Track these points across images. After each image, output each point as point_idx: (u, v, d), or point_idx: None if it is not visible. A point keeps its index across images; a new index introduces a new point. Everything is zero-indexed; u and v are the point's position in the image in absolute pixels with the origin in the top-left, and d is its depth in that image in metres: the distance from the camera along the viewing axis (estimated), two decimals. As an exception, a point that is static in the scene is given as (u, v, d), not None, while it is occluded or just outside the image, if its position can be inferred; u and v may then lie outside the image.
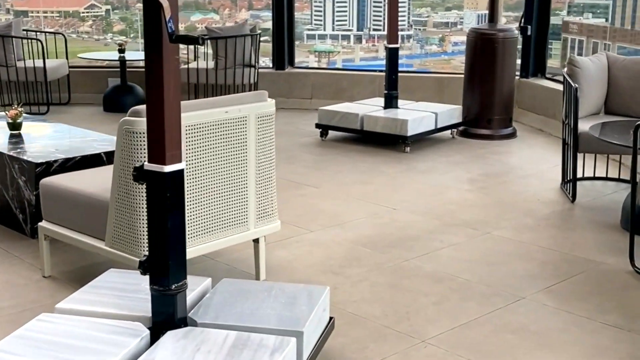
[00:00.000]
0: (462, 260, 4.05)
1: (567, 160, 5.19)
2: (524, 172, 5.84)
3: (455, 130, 6.97)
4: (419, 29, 8.57)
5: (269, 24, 8.54)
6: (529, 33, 7.53)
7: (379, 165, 5.98)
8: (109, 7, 9.26)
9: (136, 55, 8.08)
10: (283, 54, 8.38)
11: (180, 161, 2.56)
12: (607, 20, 8.05)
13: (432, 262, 4.00)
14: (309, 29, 8.48)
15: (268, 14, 8.47)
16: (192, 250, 3.33)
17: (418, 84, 8.09)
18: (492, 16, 6.92)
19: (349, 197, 5.15)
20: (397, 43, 6.79)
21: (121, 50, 7.76)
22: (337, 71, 8.49)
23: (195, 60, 7.85)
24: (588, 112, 5.32)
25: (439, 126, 6.71)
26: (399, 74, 7.53)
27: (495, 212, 4.87)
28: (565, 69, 5.28)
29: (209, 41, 7.73)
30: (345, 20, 8.28)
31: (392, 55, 6.80)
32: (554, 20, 8.03)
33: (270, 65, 8.49)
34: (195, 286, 2.93)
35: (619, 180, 5.46)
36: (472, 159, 6.21)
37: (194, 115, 3.27)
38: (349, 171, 5.81)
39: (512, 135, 6.97)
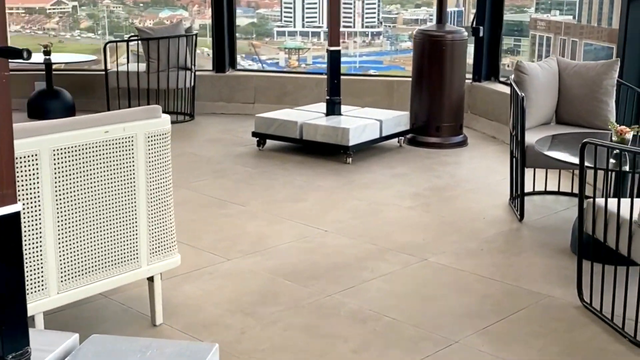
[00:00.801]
0: (391, 295, 3.59)
1: (515, 175, 4.77)
2: (472, 185, 5.41)
3: (403, 138, 6.54)
4: (389, 26, 8.52)
5: (239, 21, 8.35)
6: (481, 34, 7.12)
7: (317, 179, 5.51)
8: (75, 3, 9.04)
9: (64, 57, 7.53)
10: (223, 56, 7.89)
11: (14, 202, 2.06)
12: (574, 17, 7.92)
13: (357, 297, 3.54)
14: (278, 26, 8.39)
15: (238, 11, 8.31)
16: (64, 296, 2.83)
17: (366, 87, 7.64)
18: (440, 17, 6.49)
19: (278, 217, 4.68)
20: (338, 45, 6.33)
21: (46, 53, 7.20)
22: (281, 74, 8.01)
23: (127, 62, 7.34)
24: (538, 122, 4.91)
25: (384, 134, 6.26)
26: (346, 77, 7.11)
27: (436, 233, 4.43)
28: (512, 76, 4.86)
29: (139, 43, 7.21)
30: (315, 17, 8.23)
31: (334, 59, 6.34)
32: (521, 17, 7.71)
33: (211, 68, 7.99)
34: (55, 345, 2.44)
35: (571, 194, 5.06)
36: (417, 171, 5.77)
37: (65, 137, 2.77)
38: (283, 186, 5.34)
39: (463, 143, 6.55)
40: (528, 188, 5.12)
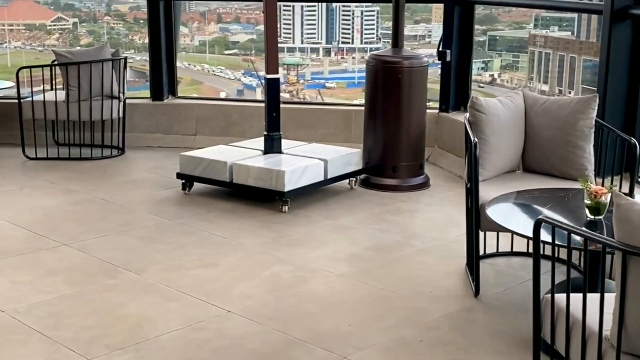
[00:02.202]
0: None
1: (469, 238, 3.88)
2: (425, 242, 4.51)
3: (355, 179, 5.65)
4: (388, 42, 7.69)
5: (238, 37, 8.30)
6: (448, 59, 6.25)
7: (240, 234, 4.61)
8: (76, 20, 8.91)
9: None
10: (161, 81, 7.01)
11: None
12: (572, 33, 7.53)
13: None
14: (277, 42, 7.68)
15: (238, 27, 8.41)
16: None
17: (320, 118, 6.76)
18: (396, 40, 5.61)
19: (175, 291, 3.78)
20: (277, 72, 5.45)
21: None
22: (225, 102, 7.12)
23: (52, 90, 6.46)
24: (498, 170, 4.02)
25: (330, 176, 5.37)
26: (298, 107, 6.30)
27: (367, 315, 3.52)
28: (467, 114, 3.97)
29: (53, 69, 6.33)
30: (314, 33, 8.12)
31: (272, 88, 5.46)
32: (520, 33, 7.27)
33: (149, 95, 7.10)
34: None
35: (543, 257, 4.14)
36: (364, 222, 4.88)
37: None
38: (196, 244, 4.44)
39: (424, 185, 5.65)
40: (491, 247, 4.23)
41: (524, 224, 3.14)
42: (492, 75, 7.11)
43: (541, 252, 2.68)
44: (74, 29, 8.92)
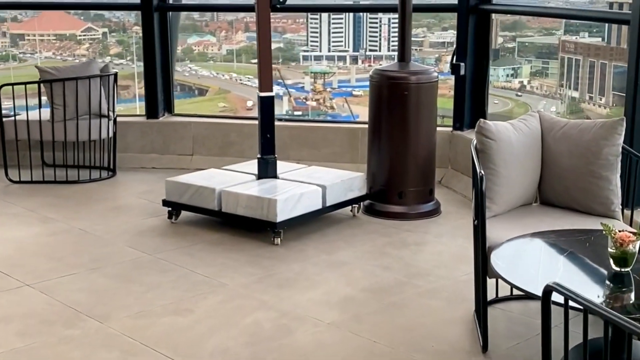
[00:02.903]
0: None
1: (477, 283, 3.38)
2: (431, 281, 4.01)
3: (358, 206, 5.16)
4: (415, 49, 8.10)
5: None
6: (462, 72, 5.75)
7: (224, 272, 4.15)
8: (105, 30, 8.88)
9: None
10: (155, 98, 6.58)
11: None
12: (603, 39, 7.27)
13: None
14: (304, 51, 8.24)
15: None
16: None
17: (324, 136, 6.29)
18: (403, 53, 5.12)
19: (139, 344, 3.31)
20: (271, 90, 4.99)
21: None
22: (223, 120, 6.67)
23: (41, 108, 6.06)
24: (511, 204, 3.52)
25: (329, 203, 4.89)
26: (301, 125, 5.89)
27: (355, 376, 3.04)
28: (474, 141, 3.48)
29: (41, 85, 5.92)
30: (341, 41, 8.10)
31: (266, 107, 5.00)
32: (550, 39, 7.00)
33: (144, 113, 6.67)
34: None
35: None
36: (364, 257, 4.39)
37: None
38: (173, 285, 3.98)
39: (434, 212, 5.16)
40: (504, 289, 3.72)
41: (534, 279, 2.63)
42: (522, 82, 6.90)
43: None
44: (103, 39, 8.93)
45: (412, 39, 8.81)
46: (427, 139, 5.12)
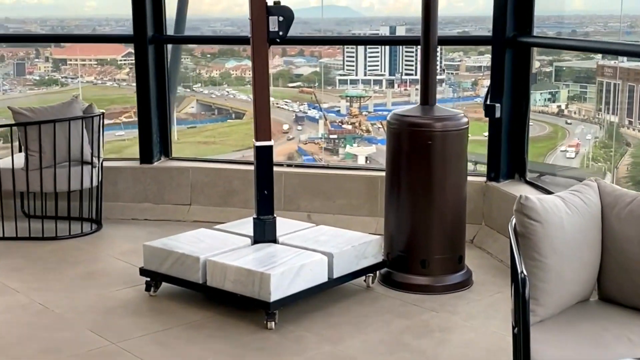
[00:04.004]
0: None
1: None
2: (458, 388, 3.17)
3: (373, 275, 4.34)
4: (451, 73, 8.39)
5: (302, 70, 8.30)
6: (497, 114, 4.92)
7: (200, 369, 3.35)
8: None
9: None
10: (150, 140, 5.84)
11: None
12: None
13: None
14: (341, 75, 8.38)
15: (302, 60, 8.45)
16: None
17: (340, 185, 5.49)
18: (426, 96, 4.30)
19: None
20: (269, 138, 4.20)
21: None
22: (225, 165, 5.88)
23: (20, 152, 5.36)
24: (563, 303, 2.66)
25: (337, 275, 4.07)
26: (313, 172, 5.17)
27: None
28: (513, 222, 2.64)
29: (14, 129, 5.21)
30: (377, 65, 8.17)
31: (264, 159, 4.21)
32: (588, 64, 6.66)
33: (139, 156, 5.93)
34: None
35: None
36: (375, 350, 3.55)
37: None
38: (133, 389, 3.19)
39: (464, 284, 4.30)
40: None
41: None
42: (560, 106, 6.70)
43: None
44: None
45: (448, 63, 8.58)
46: (456, 197, 4.28)
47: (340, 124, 7.82)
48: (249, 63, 9.11)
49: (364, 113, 8.08)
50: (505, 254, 4.73)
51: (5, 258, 4.83)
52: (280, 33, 4.09)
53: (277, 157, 8.89)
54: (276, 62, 8.54)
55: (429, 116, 4.22)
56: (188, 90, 8.14)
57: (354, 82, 8.13)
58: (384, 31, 8.13)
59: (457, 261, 4.32)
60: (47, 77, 8.24)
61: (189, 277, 4.03)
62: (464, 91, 8.45)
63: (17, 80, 8.19)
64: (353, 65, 8.19)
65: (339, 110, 8.24)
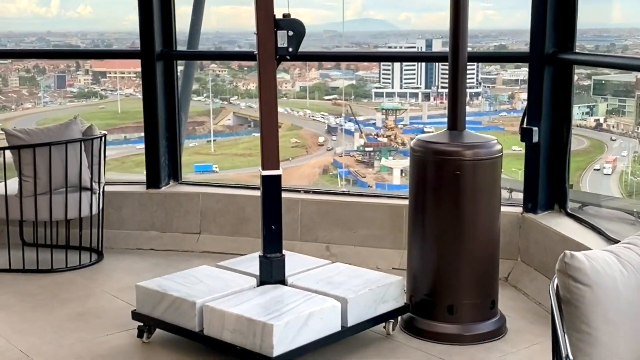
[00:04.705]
0: None
1: None
2: None
3: (394, 321, 3.85)
4: (488, 87, 8.41)
5: (338, 83, 8.32)
6: (535, 139, 4.42)
7: None
8: (182, 67, 9.12)
9: None
10: (157, 163, 5.43)
11: None
12: None
13: None
14: (376, 87, 8.40)
15: (338, 73, 8.48)
16: None
17: (361, 214, 5.02)
18: (455, 120, 3.81)
19: None
20: (277, 167, 3.74)
21: None
22: (236, 190, 5.44)
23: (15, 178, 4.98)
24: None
25: (351, 323, 3.59)
26: (332, 199, 4.79)
27: None
28: (555, 283, 2.14)
29: (7, 152, 4.84)
30: (413, 78, 8.21)
31: (271, 190, 3.76)
32: (627, 77, 6.43)
33: (145, 181, 5.52)
34: None
35: None
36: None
37: None
38: None
39: (497, 333, 3.80)
40: None
41: None
42: (598, 120, 6.64)
43: None
44: (181, 77, 9.03)
45: (484, 76, 8.54)
46: (488, 234, 3.79)
47: (375, 136, 7.81)
48: (285, 76, 8.84)
49: (399, 126, 8.05)
50: (544, 295, 4.21)
51: (-9, 294, 4.45)
52: (290, 49, 3.64)
53: (312, 169, 8.86)
54: (312, 74, 8.78)
55: (458, 143, 3.73)
56: (225, 102, 8.25)
57: (390, 94, 8.11)
58: (420, 45, 7.99)
59: (489, 306, 3.81)
60: (86, 90, 8.31)
61: (185, 324, 3.58)
62: (501, 104, 8.37)
63: (58, 92, 8.27)
64: (389, 78, 8.19)
65: (375, 123, 8.23)
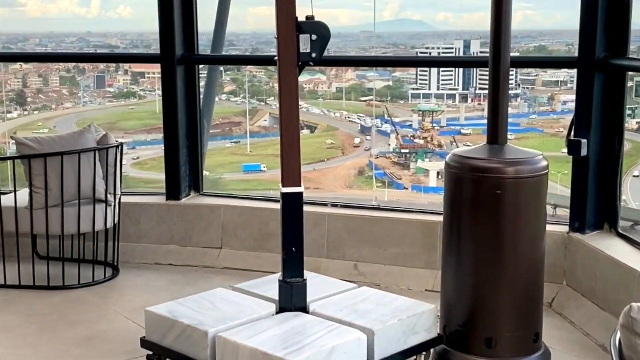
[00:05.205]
0: None
1: None
2: None
3: (426, 354, 3.50)
4: (527, 88, 8.38)
5: (377, 84, 8.34)
6: (584, 152, 4.04)
7: None
8: (221, 68, 9.12)
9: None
10: (177, 173, 5.14)
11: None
12: None
13: None
14: (413, 89, 8.42)
15: (374, 74, 8.44)
16: None
17: (392, 230, 4.68)
18: (495, 132, 3.45)
19: None
20: (299, 184, 3.42)
21: None
22: (259, 203, 5.13)
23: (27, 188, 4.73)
24: None
25: (378, 357, 3.24)
26: (361, 214, 4.54)
27: None
28: (617, 338, 1.79)
29: (18, 161, 4.58)
30: (451, 79, 8.20)
31: (292, 209, 3.44)
32: None
33: (159, 192, 5.24)
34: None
35: None
36: None
37: None
38: None
39: (540, 368, 3.44)
40: None
41: None
42: (639, 122, 6.61)
43: None
44: (219, 77, 9.17)
45: (523, 77, 8.30)
46: (531, 258, 3.42)
47: (412, 138, 7.75)
48: (322, 77, 8.96)
49: (435, 127, 8.06)
50: (592, 324, 3.85)
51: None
52: (313, 55, 3.30)
53: (347, 171, 8.72)
54: (349, 75, 8.88)
55: (498, 159, 3.36)
56: (262, 103, 8.33)
57: (426, 96, 8.06)
58: (458, 46, 7.83)
59: (532, 339, 3.44)
60: (125, 90, 8.36)
61: (196, 355, 3.27)
62: (540, 106, 8.35)
63: (97, 92, 8.36)
64: (426, 79, 8.14)
65: (411, 124, 8.19)
